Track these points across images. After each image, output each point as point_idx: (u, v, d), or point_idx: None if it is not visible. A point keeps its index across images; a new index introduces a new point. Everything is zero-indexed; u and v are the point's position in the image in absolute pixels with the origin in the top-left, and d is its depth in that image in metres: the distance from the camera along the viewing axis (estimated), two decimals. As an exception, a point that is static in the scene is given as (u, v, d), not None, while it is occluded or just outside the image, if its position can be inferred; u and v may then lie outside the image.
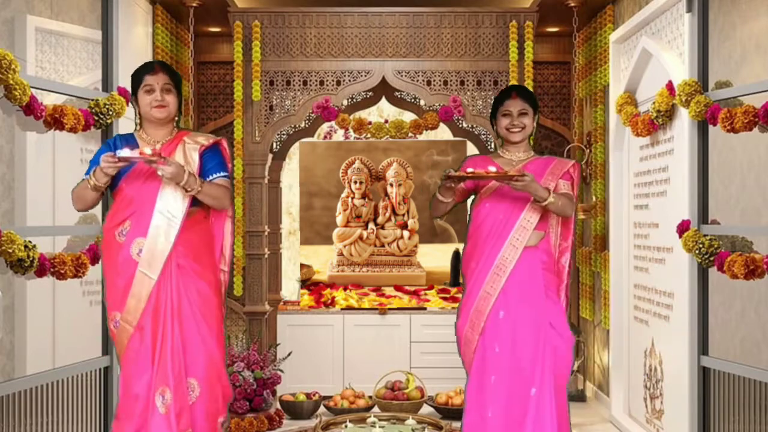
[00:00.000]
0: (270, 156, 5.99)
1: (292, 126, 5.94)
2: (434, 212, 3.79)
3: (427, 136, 6.72)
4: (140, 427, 3.30)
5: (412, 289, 6.76)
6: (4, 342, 3.84)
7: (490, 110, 5.72)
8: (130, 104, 4.18)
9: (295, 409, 5.58)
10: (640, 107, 4.96)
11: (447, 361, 6.12)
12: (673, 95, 4.19)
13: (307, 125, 6.09)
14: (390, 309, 6.35)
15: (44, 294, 4.12)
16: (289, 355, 5.72)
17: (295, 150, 6.86)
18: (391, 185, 6.91)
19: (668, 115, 4.40)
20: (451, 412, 5.56)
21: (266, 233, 5.86)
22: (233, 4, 5.70)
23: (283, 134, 6.12)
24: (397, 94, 6.08)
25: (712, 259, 3.78)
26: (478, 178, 3.54)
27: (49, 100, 3.82)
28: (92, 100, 3.98)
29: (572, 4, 5.63)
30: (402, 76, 5.75)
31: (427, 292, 6.74)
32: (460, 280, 6.71)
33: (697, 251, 3.86)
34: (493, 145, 6.11)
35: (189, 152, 3.43)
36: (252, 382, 5.21)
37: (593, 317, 5.94)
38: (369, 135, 6.01)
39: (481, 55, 5.75)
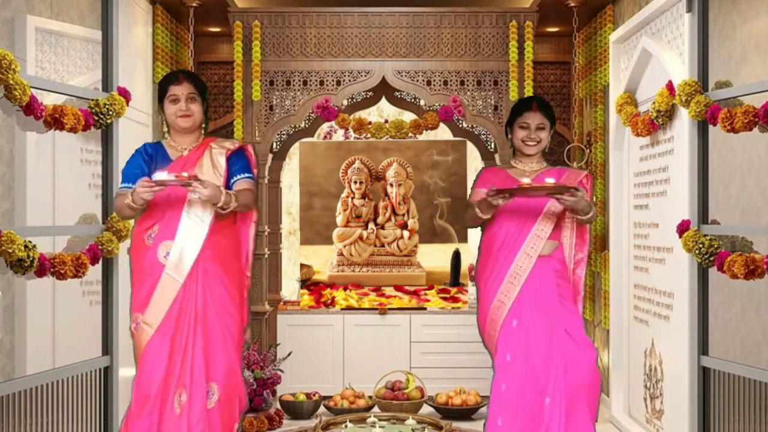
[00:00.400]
0: (270, 156, 5.99)
1: (292, 126, 5.94)
2: (469, 225, 3.74)
3: (427, 136, 6.72)
4: (151, 426, 3.31)
5: (412, 289, 6.76)
6: (4, 342, 3.84)
7: (491, 110, 5.76)
8: (130, 105, 4.19)
9: (295, 409, 5.58)
10: (640, 107, 4.96)
11: (447, 361, 6.14)
12: (673, 95, 4.19)
13: (307, 125, 6.09)
14: (390, 309, 6.35)
15: (44, 294, 4.11)
16: (289, 355, 5.72)
17: (295, 150, 6.86)
18: (391, 185, 6.90)
19: (668, 115, 4.40)
20: (451, 412, 5.56)
21: (266, 233, 5.86)
22: (233, 4, 5.70)
23: (283, 134, 6.12)
24: (397, 94, 6.08)
25: (712, 259, 3.78)
26: (533, 191, 3.45)
27: (49, 100, 3.82)
28: (92, 100, 3.98)
29: (572, 4, 5.63)
30: (402, 76, 5.75)
31: (427, 292, 6.73)
32: (462, 281, 6.73)
33: (697, 251, 3.86)
34: (492, 145, 6.11)
35: (216, 157, 3.49)
36: (252, 382, 5.21)
37: (593, 317, 5.94)
38: (369, 135, 6.01)
39: (481, 55, 5.75)
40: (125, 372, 4.53)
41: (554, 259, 3.63)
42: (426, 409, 5.67)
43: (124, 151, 4.29)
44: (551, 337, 3.53)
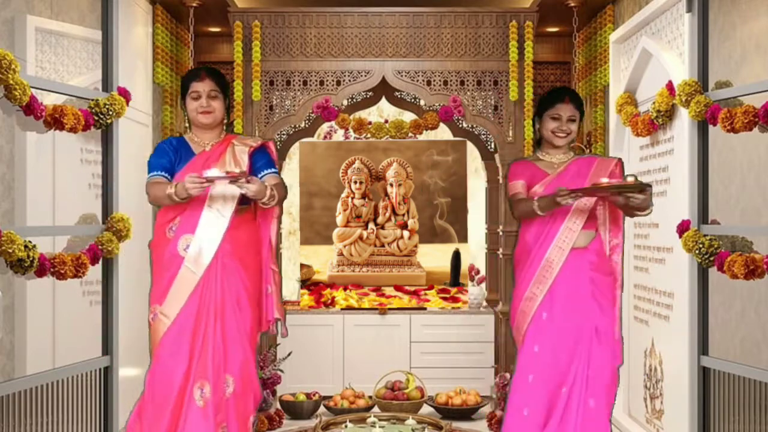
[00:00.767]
0: (270, 156, 5.99)
1: (292, 126, 5.94)
2: (523, 218, 3.67)
3: (427, 136, 6.72)
4: (174, 420, 3.32)
5: (412, 289, 6.76)
6: (4, 342, 3.84)
7: (491, 110, 5.76)
8: (130, 105, 4.19)
9: (295, 409, 5.58)
10: (640, 107, 4.96)
11: (447, 361, 6.14)
12: (673, 95, 4.19)
13: (307, 125, 6.08)
14: (390, 309, 6.35)
15: (44, 294, 4.11)
16: (289, 355, 5.72)
17: (295, 150, 6.86)
18: (391, 185, 6.91)
19: (668, 115, 4.39)
20: (451, 412, 5.56)
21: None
22: (233, 4, 5.70)
23: (283, 134, 6.12)
24: (397, 94, 6.08)
25: (712, 259, 3.78)
26: (603, 190, 3.43)
27: (49, 100, 3.81)
28: (92, 100, 3.97)
29: (572, 4, 5.63)
30: (402, 76, 5.75)
31: (427, 292, 6.74)
32: (462, 281, 6.72)
33: (697, 251, 3.86)
34: (492, 145, 6.11)
35: (238, 154, 3.52)
36: (252, 382, 5.21)
37: (593, 317, 5.93)
38: (369, 135, 6.01)
39: (481, 55, 5.75)
40: (125, 372, 4.53)
41: (590, 251, 3.59)
42: (426, 409, 5.67)
43: (124, 151, 4.30)
44: (580, 333, 3.53)
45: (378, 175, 6.99)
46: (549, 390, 3.53)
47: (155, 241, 3.55)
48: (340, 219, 6.95)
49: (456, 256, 6.83)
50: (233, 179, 3.29)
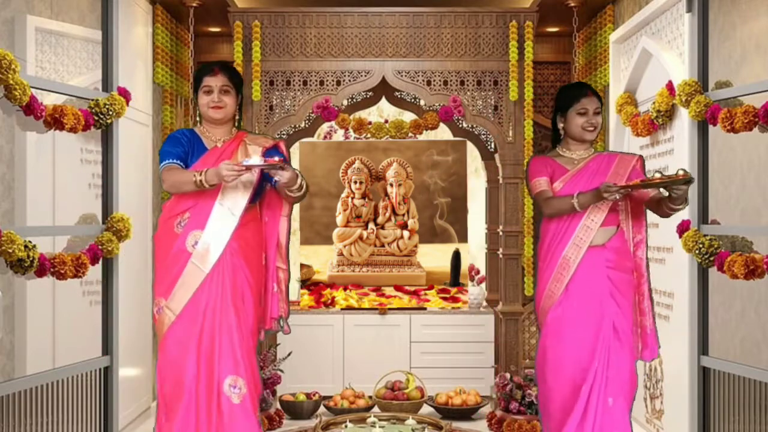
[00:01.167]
0: (270, 156, 5.99)
1: (292, 126, 5.94)
2: (554, 216, 3.62)
3: (427, 136, 6.72)
4: (205, 418, 3.33)
5: (412, 289, 6.76)
6: (4, 342, 3.84)
7: (491, 110, 5.76)
8: (130, 105, 4.19)
9: (295, 409, 5.58)
10: (640, 107, 4.96)
11: (447, 361, 6.14)
12: (673, 95, 4.19)
13: (307, 125, 6.08)
14: (390, 309, 6.35)
15: (44, 294, 4.11)
16: (289, 355, 5.72)
17: (295, 150, 6.85)
18: (391, 185, 6.90)
19: (668, 115, 4.40)
20: (451, 412, 5.56)
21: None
22: (233, 4, 5.70)
23: (283, 134, 6.12)
24: (397, 94, 6.08)
25: (712, 259, 3.78)
26: (652, 186, 3.42)
27: (49, 100, 3.82)
28: (92, 100, 3.98)
29: (572, 4, 5.63)
30: (402, 76, 5.75)
31: (427, 292, 6.73)
32: (462, 280, 6.72)
33: (697, 251, 3.86)
34: (492, 145, 6.11)
35: (251, 152, 3.50)
36: (252, 382, 5.21)
37: (593, 317, 5.93)
38: (369, 135, 6.01)
39: (481, 55, 5.75)
40: (125, 372, 4.53)
41: (608, 249, 3.56)
42: (426, 409, 5.67)
43: (124, 151, 4.30)
44: (599, 331, 3.51)
45: (378, 175, 6.99)
46: (567, 386, 3.53)
47: (160, 233, 3.53)
48: (340, 219, 6.95)
49: (456, 256, 6.83)
50: (270, 166, 3.29)
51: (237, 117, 3.61)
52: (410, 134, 5.97)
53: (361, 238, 6.91)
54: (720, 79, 3.91)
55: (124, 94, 4.12)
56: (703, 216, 3.97)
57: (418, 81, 5.75)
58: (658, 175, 3.42)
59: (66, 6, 4.37)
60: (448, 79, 5.76)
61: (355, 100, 6.05)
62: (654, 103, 4.47)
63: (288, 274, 3.71)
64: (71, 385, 3.80)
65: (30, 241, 3.45)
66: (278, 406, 5.57)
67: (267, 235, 3.64)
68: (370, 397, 5.71)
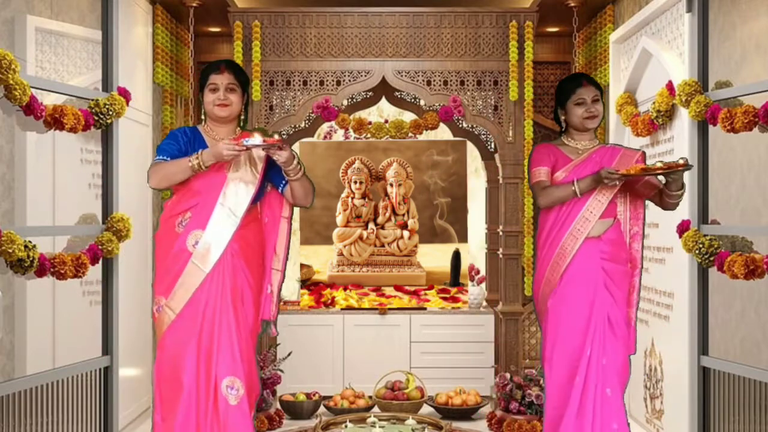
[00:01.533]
0: (270, 156, 5.99)
1: (292, 126, 5.94)
2: (549, 206, 3.63)
3: (427, 136, 6.72)
4: (203, 418, 3.32)
5: (412, 289, 6.76)
6: (4, 342, 3.84)
7: (491, 110, 5.76)
8: (130, 105, 4.19)
9: (295, 409, 5.58)
10: (640, 107, 4.96)
11: (447, 361, 6.14)
12: (673, 95, 4.19)
13: (307, 125, 6.08)
14: (390, 309, 6.35)
15: (44, 294, 4.11)
16: (289, 355, 5.72)
17: (295, 150, 6.84)
18: (391, 185, 6.90)
19: (668, 115, 4.40)
20: (451, 412, 5.56)
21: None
22: (233, 4, 5.70)
23: (283, 134, 6.12)
24: (397, 94, 6.08)
25: (712, 259, 3.78)
26: (652, 174, 3.44)
27: (49, 100, 3.82)
28: (92, 100, 3.98)
29: (572, 4, 5.63)
30: (402, 76, 5.75)
31: (427, 292, 6.73)
32: (462, 280, 6.72)
33: (697, 251, 3.86)
34: (492, 145, 6.11)
35: (254, 152, 3.48)
36: (252, 382, 5.20)
37: (593, 317, 5.93)
38: (369, 135, 6.01)
39: (481, 55, 5.75)
40: (125, 372, 4.53)
41: (603, 241, 3.58)
42: (426, 409, 5.67)
43: (124, 151, 4.30)
44: (590, 322, 3.54)
45: (378, 175, 6.99)
46: (562, 375, 3.56)
47: (161, 232, 3.51)
48: (340, 219, 6.95)
49: (456, 256, 6.83)
50: (268, 146, 3.29)
51: (242, 117, 3.60)
52: (410, 134, 5.97)
53: (361, 238, 6.91)
54: (720, 79, 3.91)
55: (124, 94, 4.12)
56: (703, 216, 3.97)
57: (418, 81, 5.75)
58: (659, 164, 3.43)
59: (66, 6, 4.37)
60: (448, 79, 5.76)
61: (355, 100, 6.05)
62: (654, 103, 4.47)
63: (282, 276, 3.69)
64: (71, 385, 3.80)
65: (30, 241, 3.45)
66: (278, 406, 5.57)
67: (266, 237, 3.63)
68: (370, 397, 5.71)
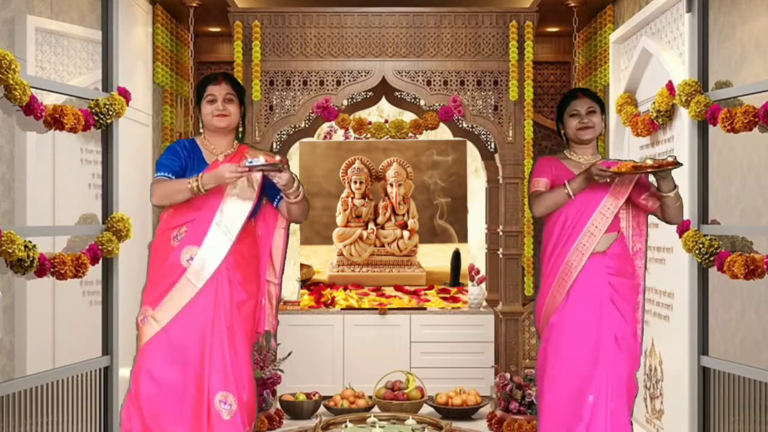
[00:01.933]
0: (270, 156, 5.99)
1: (292, 126, 5.94)
2: (542, 213, 3.61)
3: (427, 136, 6.72)
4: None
5: (412, 289, 6.76)
6: (4, 342, 3.84)
7: (491, 110, 5.76)
8: (130, 105, 4.19)
9: (295, 409, 5.58)
10: (640, 107, 4.96)
11: (447, 361, 6.14)
12: (673, 95, 4.19)
13: (307, 125, 6.09)
14: (390, 309, 6.35)
15: (44, 294, 4.11)
16: (289, 355, 5.72)
17: (295, 150, 6.85)
18: (391, 185, 6.90)
19: (668, 115, 4.40)
20: (451, 412, 5.56)
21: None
22: (233, 4, 5.70)
23: (283, 134, 6.12)
24: (397, 94, 6.08)
25: (712, 259, 3.78)
26: (643, 172, 3.41)
27: (49, 100, 3.81)
28: (92, 100, 3.97)
29: (572, 4, 5.63)
30: (402, 76, 5.75)
31: (427, 292, 6.73)
32: (462, 280, 6.73)
33: (697, 251, 3.86)
34: (492, 145, 6.11)
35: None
36: (252, 382, 5.20)
37: (593, 317, 5.93)
38: (369, 135, 6.01)
39: (481, 55, 5.75)
40: (125, 372, 4.53)
41: (608, 256, 3.56)
42: (426, 409, 5.67)
43: (124, 151, 4.30)
44: (599, 340, 3.50)
45: (378, 175, 6.99)
46: (566, 392, 3.50)
47: (156, 243, 3.50)
48: (340, 219, 6.95)
49: (456, 256, 6.83)
50: (270, 168, 3.26)
51: (240, 128, 3.59)
52: (410, 134, 5.97)
53: (361, 238, 6.91)
54: (720, 79, 3.91)
55: (124, 94, 4.12)
56: (703, 216, 3.97)
57: (418, 81, 5.75)
58: (650, 161, 3.41)
59: (66, 6, 4.37)
60: (448, 79, 5.76)
61: (355, 100, 6.05)
62: (654, 103, 4.47)
63: (279, 289, 3.67)
64: (71, 385, 3.80)
65: (30, 241, 3.45)
66: (278, 406, 5.57)
67: (260, 249, 3.61)
68: (370, 397, 5.71)
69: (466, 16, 5.74)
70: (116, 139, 4.10)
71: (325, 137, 7.12)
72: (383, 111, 6.91)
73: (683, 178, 4.09)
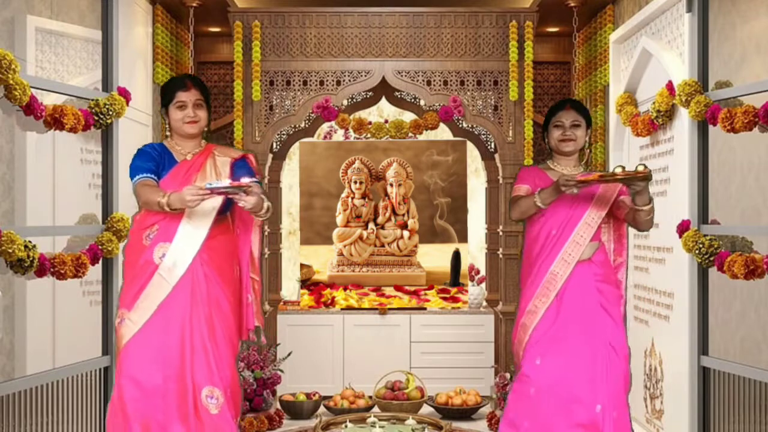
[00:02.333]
0: (270, 156, 5.99)
1: (292, 126, 5.94)
2: (518, 218, 3.63)
3: (427, 136, 6.72)
4: (177, 427, 3.30)
5: (412, 289, 6.76)
6: (4, 342, 3.84)
7: (491, 110, 5.76)
8: (130, 105, 4.19)
9: (295, 409, 5.58)
10: (640, 107, 4.96)
11: (447, 361, 6.14)
12: (673, 95, 4.19)
13: (307, 125, 6.09)
14: (390, 309, 6.35)
15: (44, 294, 4.11)
16: (289, 355, 5.72)
17: (295, 150, 6.86)
18: (391, 185, 6.90)
19: (668, 115, 4.40)
20: (451, 412, 5.56)
21: (266, 233, 5.86)
22: (233, 4, 5.70)
23: (283, 134, 6.12)
24: (397, 94, 6.08)
25: (712, 259, 3.78)
26: (610, 181, 3.40)
27: (49, 100, 3.82)
28: (92, 100, 3.98)
29: (572, 4, 5.63)
30: (402, 76, 5.75)
31: (427, 292, 6.73)
32: (462, 280, 6.73)
33: (697, 251, 3.86)
34: (492, 146, 6.11)
35: (219, 165, 3.50)
36: (252, 382, 5.21)
37: (593, 317, 5.93)
38: (369, 135, 6.01)
39: (481, 55, 5.75)
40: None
41: (594, 263, 3.56)
42: (426, 409, 5.67)
43: (124, 151, 4.29)
44: (595, 348, 3.47)
45: (378, 175, 6.99)
46: (558, 406, 3.44)
47: (130, 245, 3.49)
48: (340, 219, 6.95)
49: (456, 256, 6.83)
50: (235, 189, 3.21)
51: (205, 130, 3.60)
52: (410, 134, 5.97)
53: (361, 238, 6.91)
54: (720, 79, 3.91)
55: (124, 94, 4.12)
56: (703, 216, 3.97)
57: (418, 81, 5.75)
58: (619, 170, 3.38)
59: (66, 6, 4.37)
60: (448, 79, 5.76)
61: (355, 100, 6.05)
62: (654, 103, 4.47)
63: (261, 285, 3.68)
64: (71, 385, 3.80)
65: (30, 241, 3.45)
66: (278, 406, 5.57)
67: (240, 247, 3.60)
68: (370, 397, 5.71)
69: (466, 16, 5.74)
70: (116, 139, 4.11)
71: (325, 137, 7.12)
72: (383, 111, 6.91)
73: (683, 178, 4.10)
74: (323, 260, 6.99)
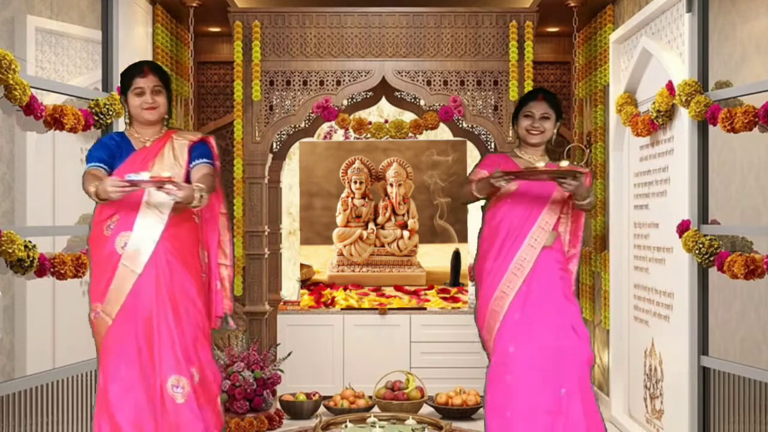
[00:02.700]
0: (270, 156, 5.99)
1: (292, 126, 5.94)
2: (463, 201, 3.75)
3: (427, 136, 6.72)
4: (151, 421, 3.30)
5: (412, 289, 6.76)
6: (4, 342, 3.84)
7: (491, 110, 5.76)
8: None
9: (295, 409, 5.58)
10: (640, 107, 4.96)
11: (447, 361, 6.14)
12: (673, 95, 4.19)
13: (307, 125, 6.09)
14: (390, 309, 6.35)
15: (44, 294, 4.12)
16: (289, 355, 5.72)
17: (295, 150, 6.86)
18: (391, 185, 6.90)
19: (668, 115, 4.40)
20: (451, 412, 5.56)
21: (266, 233, 5.86)
22: (233, 4, 5.70)
23: (283, 134, 6.12)
24: (397, 94, 6.08)
25: (712, 259, 3.78)
26: (535, 175, 3.42)
27: (49, 100, 3.82)
28: (92, 100, 3.98)
29: (572, 4, 5.63)
30: (402, 76, 5.75)
31: (427, 292, 6.73)
32: (462, 280, 6.73)
33: (697, 251, 3.86)
34: (492, 146, 6.11)
35: (177, 149, 3.46)
36: (252, 382, 5.21)
37: (593, 317, 5.94)
38: (369, 135, 6.01)
39: (481, 55, 5.75)
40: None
41: (555, 250, 3.62)
42: (426, 409, 5.67)
43: (124, 151, 4.30)
44: (559, 331, 3.51)
45: (378, 175, 6.99)
46: (535, 390, 3.47)
47: (93, 237, 3.45)
48: (340, 219, 6.95)
49: (456, 256, 6.83)
50: (159, 185, 3.18)
51: (166, 117, 3.55)
52: (410, 134, 5.97)
53: (361, 238, 6.91)
54: (720, 79, 3.91)
55: (124, 94, 4.11)
56: (703, 216, 3.97)
57: (418, 81, 5.75)
58: (565, 164, 3.41)
59: (66, 6, 4.37)
60: (448, 79, 5.76)
61: (355, 100, 6.05)
62: (654, 103, 4.47)
63: (232, 270, 3.65)
64: (71, 385, 3.80)
65: (30, 241, 3.45)
66: (278, 406, 5.57)
67: (207, 233, 3.58)
68: (370, 397, 5.71)
69: (466, 16, 5.74)
70: (116, 139, 4.10)
71: (325, 137, 7.12)
72: (383, 111, 6.91)
73: (683, 178, 4.10)
74: (323, 260, 6.99)
